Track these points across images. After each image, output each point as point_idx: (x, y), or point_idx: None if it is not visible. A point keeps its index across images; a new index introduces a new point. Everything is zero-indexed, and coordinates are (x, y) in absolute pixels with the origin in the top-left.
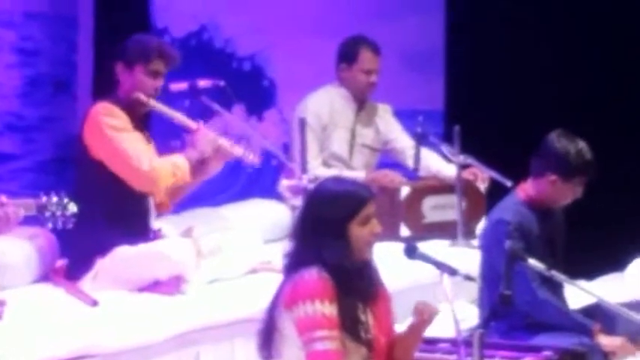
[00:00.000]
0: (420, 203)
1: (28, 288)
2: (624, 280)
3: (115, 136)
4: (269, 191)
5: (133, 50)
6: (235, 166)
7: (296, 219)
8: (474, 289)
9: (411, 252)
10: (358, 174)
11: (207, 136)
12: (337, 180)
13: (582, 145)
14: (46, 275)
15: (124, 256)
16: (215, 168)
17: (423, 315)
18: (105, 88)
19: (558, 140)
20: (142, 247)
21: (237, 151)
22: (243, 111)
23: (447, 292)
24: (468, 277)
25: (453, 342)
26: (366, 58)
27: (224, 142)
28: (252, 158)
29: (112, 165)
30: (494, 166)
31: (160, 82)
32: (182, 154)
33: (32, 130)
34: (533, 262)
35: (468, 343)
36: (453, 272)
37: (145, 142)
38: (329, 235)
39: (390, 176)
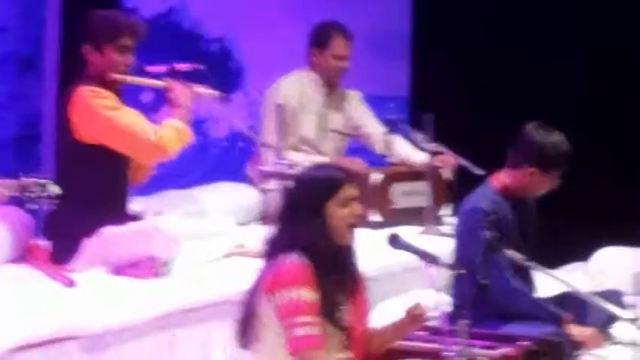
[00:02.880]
0: (390, 189)
1: (3, 268)
2: (588, 270)
3: (112, 115)
4: (234, 173)
5: (99, 30)
6: (201, 148)
7: (277, 206)
8: (442, 276)
9: (395, 241)
10: (322, 160)
11: (182, 90)
12: (316, 166)
13: (560, 137)
14: (21, 255)
15: (114, 235)
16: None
17: (417, 323)
18: (72, 66)
19: (537, 132)
20: (135, 225)
21: (212, 93)
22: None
23: (431, 280)
24: (450, 267)
25: (432, 330)
26: (337, 43)
27: (198, 89)
28: (221, 95)
29: (116, 144)
30: (460, 153)
31: (130, 57)
32: (174, 118)
33: None
34: (510, 252)
35: (441, 332)
36: (435, 261)
37: (140, 115)
38: (306, 217)
39: (354, 163)
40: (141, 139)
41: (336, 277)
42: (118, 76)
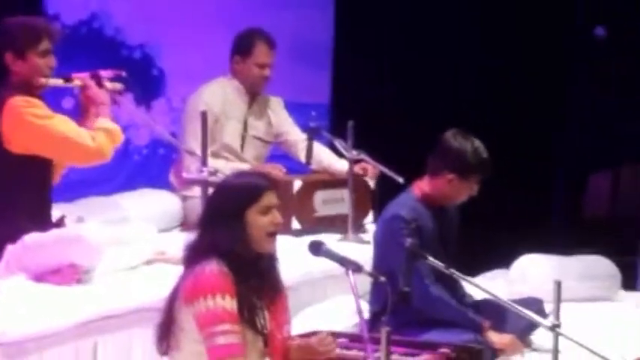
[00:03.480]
0: (312, 197)
1: None
2: (508, 278)
3: (46, 124)
4: (155, 180)
5: (19, 37)
6: (122, 155)
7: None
8: (362, 283)
9: (317, 249)
10: (242, 166)
11: (97, 89)
12: (237, 173)
13: (478, 143)
14: None
15: (36, 242)
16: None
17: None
18: None
19: (455, 139)
20: (57, 232)
21: (115, 85)
22: (132, 100)
23: (353, 287)
24: (373, 275)
25: (352, 337)
26: (260, 51)
27: (108, 85)
28: (122, 88)
29: (52, 152)
30: (381, 161)
31: (52, 60)
32: (101, 117)
33: None
34: (432, 260)
35: (360, 339)
36: (358, 269)
37: (71, 121)
38: (226, 224)
39: (269, 169)
40: (79, 146)
41: (256, 284)
42: (43, 80)
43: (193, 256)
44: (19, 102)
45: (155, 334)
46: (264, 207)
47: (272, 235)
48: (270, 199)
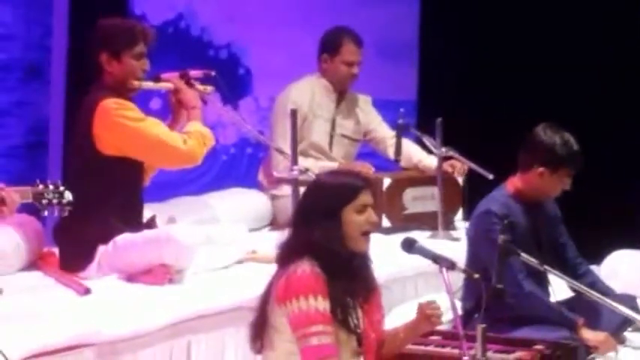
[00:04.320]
0: (401, 194)
1: (18, 276)
2: (600, 274)
3: (138, 126)
4: (242, 179)
5: (116, 38)
6: (210, 154)
7: (292, 211)
8: (454, 281)
9: (410, 246)
10: (331, 165)
11: (190, 91)
12: (332, 172)
13: (568, 136)
14: (33, 263)
15: (128, 242)
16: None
17: (431, 323)
18: (79, 73)
19: (544, 132)
20: (148, 232)
21: (206, 88)
22: (219, 99)
23: (447, 285)
24: (467, 272)
25: (445, 335)
26: (348, 50)
27: (199, 87)
28: (212, 90)
29: (145, 155)
30: (470, 157)
31: (146, 63)
32: (193, 121)
33: (4, 114)
34: (525, 256)
35: (454, 336)
36: (451, 266)
37: (162, 123)
38: (323, 222)
39: (359, 167)
40: (171, 149)
41: (349, 283)
42: (136, 83)
43: (287, 255)
44: (111, 104)
45: (249, 333)
46: (360, 206)
47: (367, 234)
48: (365, 198)
